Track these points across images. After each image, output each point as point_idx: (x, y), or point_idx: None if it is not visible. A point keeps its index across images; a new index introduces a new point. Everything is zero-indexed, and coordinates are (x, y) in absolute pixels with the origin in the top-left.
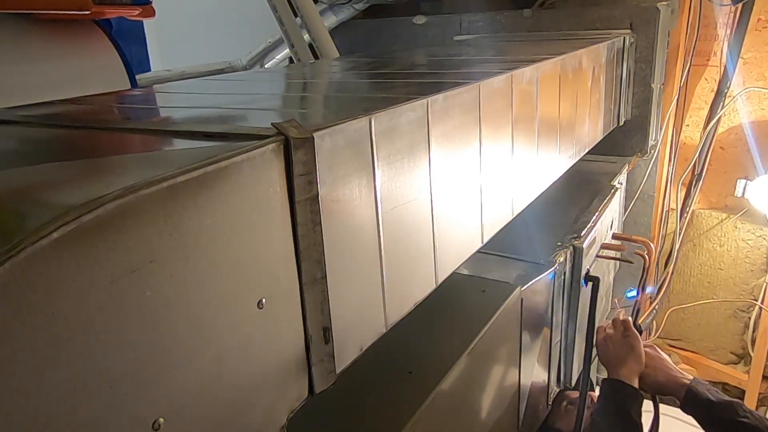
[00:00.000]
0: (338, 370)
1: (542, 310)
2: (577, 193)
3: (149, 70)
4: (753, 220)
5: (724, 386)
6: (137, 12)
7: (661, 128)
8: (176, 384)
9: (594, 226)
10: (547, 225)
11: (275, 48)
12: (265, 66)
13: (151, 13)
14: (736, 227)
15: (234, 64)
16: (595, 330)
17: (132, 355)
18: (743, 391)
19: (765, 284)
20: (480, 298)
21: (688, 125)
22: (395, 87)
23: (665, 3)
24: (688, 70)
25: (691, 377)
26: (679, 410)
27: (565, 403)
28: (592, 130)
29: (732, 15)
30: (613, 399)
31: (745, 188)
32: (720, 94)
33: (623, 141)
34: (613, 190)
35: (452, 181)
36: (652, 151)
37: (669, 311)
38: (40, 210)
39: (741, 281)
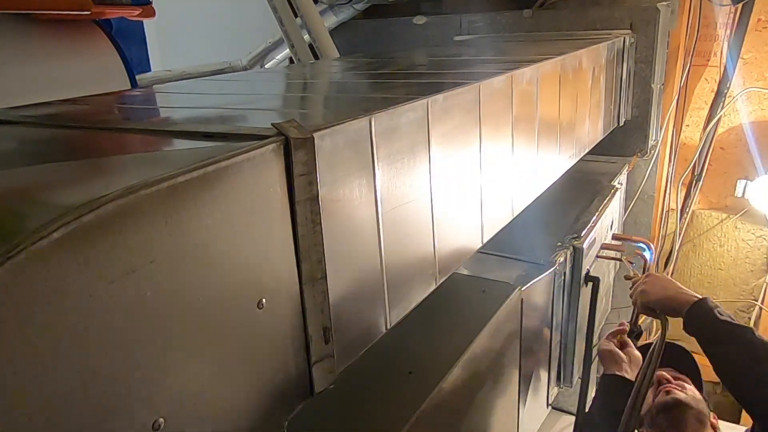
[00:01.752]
0: (338, 370)
1: (542, 310)
2: (577, 193)
3: (149, 70)
4: (753, 220)
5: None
6: (137, 12)
7: (661, 128)
8: (176, 384)
9: (594, 226)
10: (547, 225)
11: (275, 48)
12: (265, 66)
13: (151, 13)
14: (736, 227)
15: (234, 64)
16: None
17: (132, 355)
18: None
19: (765, 284)
20: (480, 298)
21: (688, 125)
22: (395, 87)
23: (665, 3)
24: (688, 70)
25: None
26: None
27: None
28: (592, 131)
29: (732, 15)
30: (608, 395)
31: (745, 188)
32: (720, 95)
33: (623, 141)
34: (613, 191)
35: (452, 182)
36: (652, 152)
37: None
38: (40, 210)
39: (741, 281)
